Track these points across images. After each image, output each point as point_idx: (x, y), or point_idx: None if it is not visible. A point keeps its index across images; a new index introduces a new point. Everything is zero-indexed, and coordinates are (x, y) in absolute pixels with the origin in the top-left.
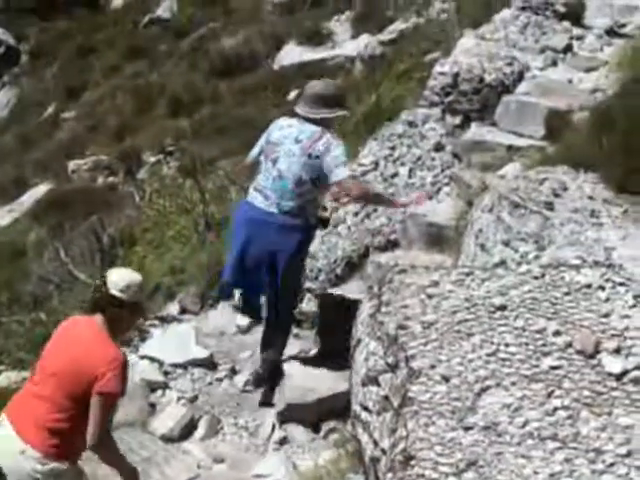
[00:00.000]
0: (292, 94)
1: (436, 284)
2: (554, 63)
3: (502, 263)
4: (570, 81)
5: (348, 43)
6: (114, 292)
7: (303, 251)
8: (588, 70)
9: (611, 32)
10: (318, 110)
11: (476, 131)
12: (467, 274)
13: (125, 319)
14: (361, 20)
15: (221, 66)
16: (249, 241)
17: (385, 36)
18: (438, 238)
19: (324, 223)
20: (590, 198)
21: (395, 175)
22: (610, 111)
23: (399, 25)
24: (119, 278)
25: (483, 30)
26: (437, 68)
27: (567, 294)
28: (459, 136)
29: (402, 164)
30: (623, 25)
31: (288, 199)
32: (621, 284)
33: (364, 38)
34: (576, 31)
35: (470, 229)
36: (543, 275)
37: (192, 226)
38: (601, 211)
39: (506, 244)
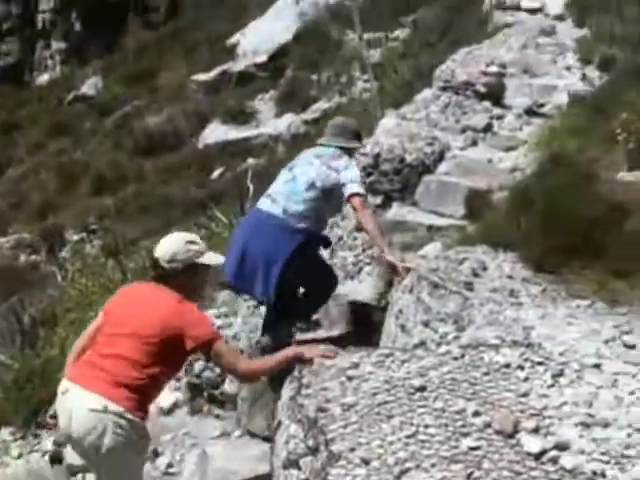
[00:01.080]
0: (216, 172)
1: (356, 366)
2: (474, 143)
3: (422, 344)
4: (490, 160)
5: (272, 122)
6: (165, 265)
7: (303, 257)
8: (508, 149)
9: (530, 112)
10: (337, 140)
11: (397, 211)
12: (387, 355)
13: (188, 284)
14: (285, 99)
15: (145, 144)
16: (248, 242)
17: (308, 115)
18: (360, 317)
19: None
20: (509, 277)
21: None
22: (528, 191)
23: (322, 104)
24: (163, 250)
25: (404, 110)
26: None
27: (486, 374)
28: (380, 216)
29: None
30: (542, 105)
31: (295, 202)
32: (540, 363)
33: (288, 117)
34: (496, 111)
35: (390, 310)
36: (462, 355)
37: None
38: (520, 290)
39: (426, 325)
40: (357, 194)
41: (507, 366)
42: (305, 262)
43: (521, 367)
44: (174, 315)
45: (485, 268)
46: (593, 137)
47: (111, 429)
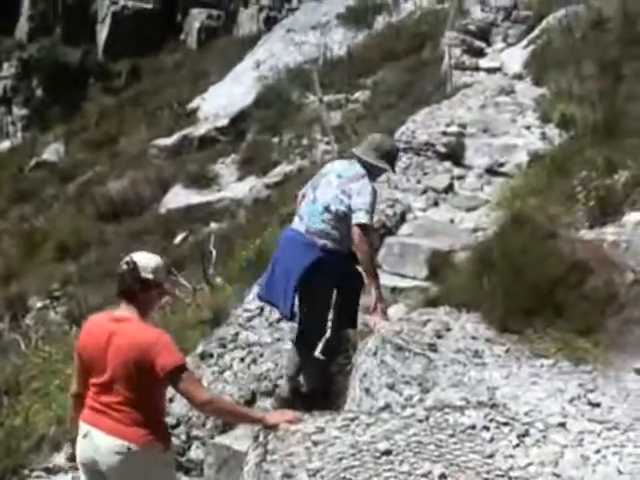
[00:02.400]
0: (179, 237)
1: (322, 430)
2: (436, 203)
3: (387, 407)
4: (452, 221)
5: (234, 186)
6: (146, 275)
7: (322, 273)
8: (469, 209)
9: (491, 171)
10: (366, 154)
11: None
12: (352, 419)
13: (154, 300)
14: (246, 163)
15: (107, 210)
16: (278, 258)
17: (270, 179)
18: (325, 381)
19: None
20: (473, 338)
21: (280, 320)
22: (490, 251)
23: (284, 168)
24: (148, 261)
25: None
26: None
27: (452, 436)
28: None
29: None
30: (502, 164)
31: (316, 221)
32: (505, 424)
33: (249, 181)
34: (457, 171)
35: (355, 373)
36: (428, 418)
37: None
38: (484, 351)
39: (391, 387)
40: (359, 225)
41: (472, 427)
42: (329, 277)
43: (486, 428)
44: (143, 345)
45: (449, 329)
46: (553, 195)
47: (137, 466)
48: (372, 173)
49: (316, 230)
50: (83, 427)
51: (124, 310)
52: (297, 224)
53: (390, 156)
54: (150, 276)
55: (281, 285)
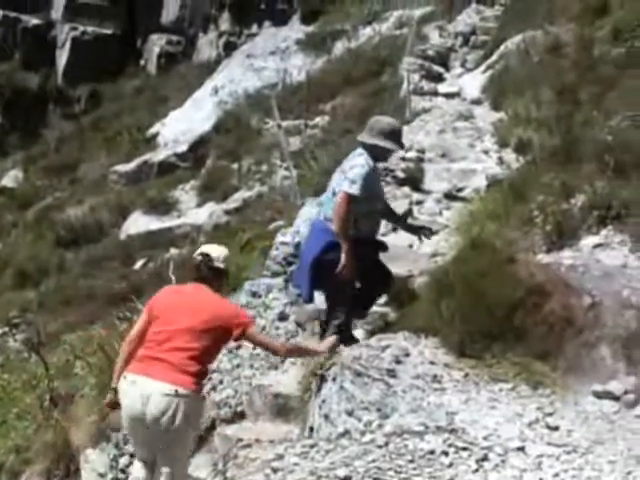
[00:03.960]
0: (139, 263)
1: (281, 457)
2: (395, 228)
3: (346, 433)
4: (411, 246)
5: (193, 212)
6: (217, 264)
7: (331, 254)
8: None
9: (449, 196)
10: (372, 137)
11: (320, 299)
12: (312, 446)
13: (224, 284)
14: (206, 189)
15: (67, 236)
16: (303, 246)
17: (230, 204)
18: (284, 409)
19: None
20: (432, 363)
21: (239, 347)
22: (449, 276)
23: (243, 193)
24: (219, 253)
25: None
26: (279, 238)
27: (411, 461)
28: (302, 305)
29: None
30: (461, 189)
31: (328, 207)
32: (464, 449)
33: (209, 207)
34: (416, 196)
35: (314, 399)
36: (387, 444)
37: (37, 403)
38: (443, 376)
39: (350, 414)
40: (342, 192)
41: (432, 453)
42: (328, 264)
43: (445, 453)
44: (220, 308)
45: (407, 354)
46: (511, 220)
47: (182, 409)
48: (374, 154)
49: (329, 215)
50: (130, 377)
51: (201, 286)
52: (317, 212)
53: (395, 133)
54: (222, 265)
55: (302, 271)
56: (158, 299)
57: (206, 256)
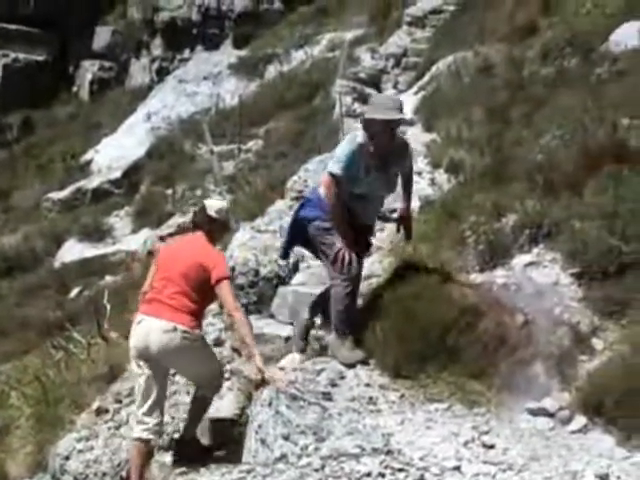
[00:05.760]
0: (74, 292)
1: None
2: None
3: (283, 457)
4: None
5: (128, 238)
6: (210, 213)
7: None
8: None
9: (383, 217)
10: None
11: (254, 324)
12: (248, 471)
13: (217, 233)
14: (140, 215)
15: (1, 265)
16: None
17: (164, 230)
18: (221, 435)
19: None
20: (367, 385)
21: (175, 374)
22: (382, 298)
23: (177, 219)
24: (213, 204)
25: (258, 222)
26: None
27: None
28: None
29: None
30: (394, 210)
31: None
32: (400, 470)
33: (144, 233)
34: None
35: (251, 424)
36: (323, 467)
37: None
38: (378, 397)
39: (286, 438)
40: (326, 172)
41: (368, 475)
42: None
43: (382, 475)
44: (204, 256)
45: (343, 377)
46: (444, 240)
47: (180, 342)
48: (370, 131)
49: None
50: (139, 317)
51: (197, 235)
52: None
53: (377, 105)
54: (214, 214)
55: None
56: (162, 250)
57: (202, 206)
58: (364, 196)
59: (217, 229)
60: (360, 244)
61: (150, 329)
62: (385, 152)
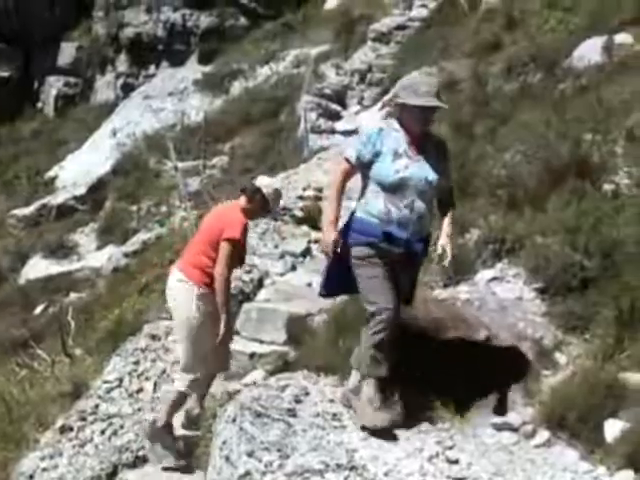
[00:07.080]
0: (39, 309)
1: None
2: (294, 268)
3: (247, 474)
4: (309, 285)
5: (93, 255)
6: (258, 184)
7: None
8: None
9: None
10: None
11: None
12: None
13: (257, 207)
14: (105, 231)
15: None
16: None
17: (128, 247)
18: (186, 452)
19: None
20: (331, 401)
21: (140, 390)
22: (346, 314)
23: (142, 235)
24: (266, 179)
25: None
26: None
27: None
28: None
29: (147, 378)
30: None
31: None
32: None
33: (109, 250)
34: (314, 234)
35: (215, 441)
36: None
37: None
38: (343, 413)
39: (250, 455)
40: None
41: None
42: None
43: None
44: (225, 217)
45: (307, 393)
46: None
47: (178, 292)
48: (400, 117)
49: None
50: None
51: (235, 202)
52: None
53: (404, 86)
54: (261, 187)
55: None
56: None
57: (255, 177)
58: (400, 186)
59: (258, 204)
60: (402, 283)
61: (169, 280)
62: (418, 143)
